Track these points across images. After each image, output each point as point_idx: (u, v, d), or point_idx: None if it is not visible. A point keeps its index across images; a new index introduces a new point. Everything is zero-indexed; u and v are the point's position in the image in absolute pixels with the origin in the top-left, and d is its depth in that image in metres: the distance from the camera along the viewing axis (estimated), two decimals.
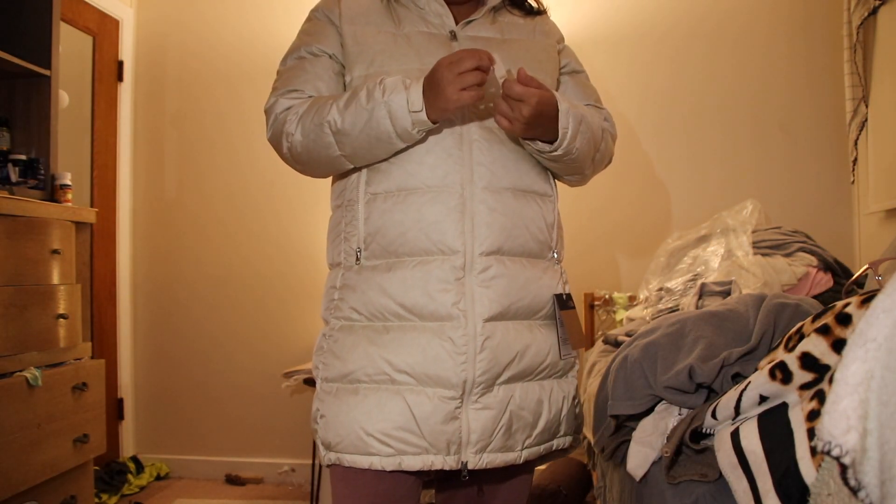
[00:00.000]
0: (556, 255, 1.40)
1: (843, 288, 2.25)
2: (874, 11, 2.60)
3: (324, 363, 1.32)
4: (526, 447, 1.32)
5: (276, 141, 1.34)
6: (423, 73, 1.24)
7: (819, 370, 0.95)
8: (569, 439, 1.41)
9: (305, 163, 1.33)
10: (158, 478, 3.41)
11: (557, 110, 1.24)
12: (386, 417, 1.23)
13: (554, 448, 1.38)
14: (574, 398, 1.41)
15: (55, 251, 2.34)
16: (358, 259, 1.30)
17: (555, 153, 1.27)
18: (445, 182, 1.26)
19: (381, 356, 1.25)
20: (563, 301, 1.38)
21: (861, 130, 2.82)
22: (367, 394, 1.25)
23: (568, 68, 1.51)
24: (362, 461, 1.24)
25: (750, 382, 1.06)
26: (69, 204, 2.54)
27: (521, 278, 1.30)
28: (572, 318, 1.39)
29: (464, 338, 1.23)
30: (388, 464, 1.23)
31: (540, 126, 1.23)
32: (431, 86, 1.17)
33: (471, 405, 1.25)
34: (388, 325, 1.26)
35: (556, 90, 1.45)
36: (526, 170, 1.35)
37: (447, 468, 1.25)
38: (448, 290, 1.24)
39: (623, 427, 1.46)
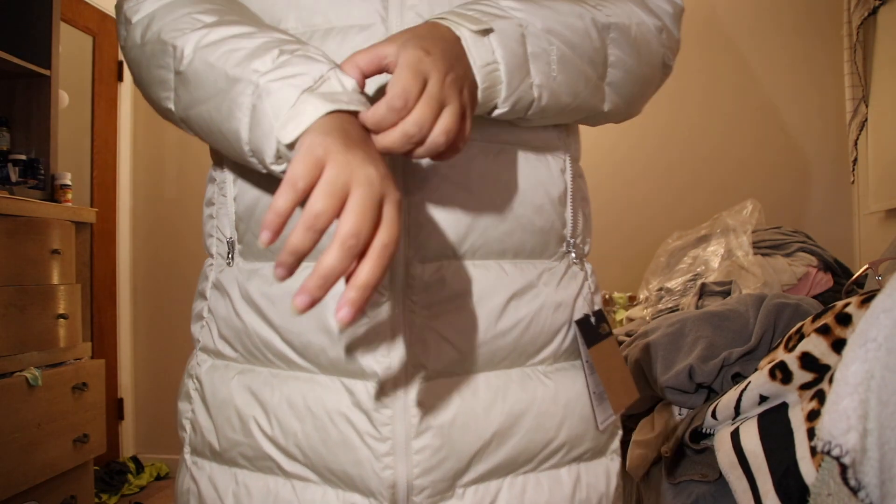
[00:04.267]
0: (572, 250, 0.83)
1: (843, 288, 2.25)
2: (874, 11, 2.60)
3: (189, 421, 0.83)
4: None
5: (118, 26, 0.80)
6: (326, 32, 0.73)
7: (819, 370, 0.95)
8: None
9: (136, 79, 0.80)
10: (158, 478, 3.41)
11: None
12: None
13: None
14: (616, 488, 0.86)
15: (55, 251, 2.34)
16: (231, 256, 0.82)
17: (502, 111, 0.69)
18: None
19: (263, 430, 0.76)
20: (592, 327, 0.82)
21: (861, 130, 2.83)
22: (249, 484, 0.78)
23: None
24: None
25: (750, 382, 1.07)
26: (69, 204, 2.54)
27: (500, 296, 0.76)
28: (610, 354, 0.83)
29: (386, 411, 0.71)
30: None
31: (463, 87, 0.62)
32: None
33: None
34: (275, 371, 0.77)
35: None
36: None
37: None
38: (359, 325, 0.72)
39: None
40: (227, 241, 0.83)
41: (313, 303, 0.50)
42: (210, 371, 0.81)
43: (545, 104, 0.71)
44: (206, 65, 0.66)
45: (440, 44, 0.62)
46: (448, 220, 0.74)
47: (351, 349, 0.72)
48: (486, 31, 0.65)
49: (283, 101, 0.59)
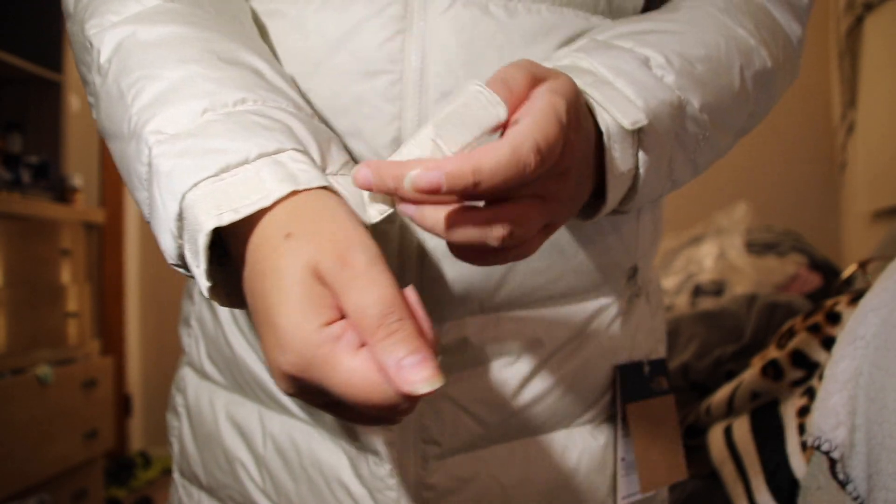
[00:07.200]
0: (637, 277, 0.64)
1: (832, 287, 2.29)
2: (860, 20, 2.66)
3: (177, 440, 0.74)
4: None
5: None
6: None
7: (809, 367, 0.98)
8: None
9: None
10: (166, 472, 3.44)
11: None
12: None
13: None
14: None
15: (65, 251, 2.38)
16: None
17: (602, 214, 0.50)
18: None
19: (253, 479, 0.63)
20: (642, 378, 0.65)
21: (849, 134, 2.88)
22: None
23: None
24: None
25: (743, 380, 1.10)
26: (79, 205, 2.58)
27: (538, 353, 0.59)
28: (660, 417, 0.66)
29: (391, 493, 0.57)
30: None
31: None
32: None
33: None
34: (267, 413, 0.63)
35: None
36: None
37: None
38: None
39: None
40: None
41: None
42: (196, 393, 0.69)
43: (665, 192, 0.55)
44: (117, 89, 0.44)
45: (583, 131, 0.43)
46: (474, 271, 0.54)
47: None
48: (638, 125, 0.45)
49: (169, 192, 0.39)
